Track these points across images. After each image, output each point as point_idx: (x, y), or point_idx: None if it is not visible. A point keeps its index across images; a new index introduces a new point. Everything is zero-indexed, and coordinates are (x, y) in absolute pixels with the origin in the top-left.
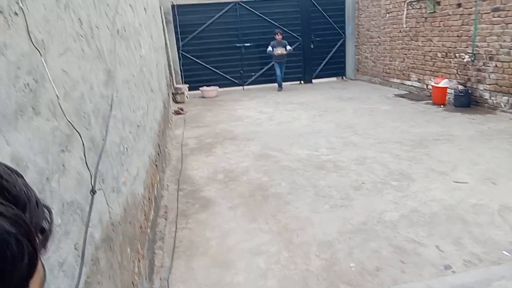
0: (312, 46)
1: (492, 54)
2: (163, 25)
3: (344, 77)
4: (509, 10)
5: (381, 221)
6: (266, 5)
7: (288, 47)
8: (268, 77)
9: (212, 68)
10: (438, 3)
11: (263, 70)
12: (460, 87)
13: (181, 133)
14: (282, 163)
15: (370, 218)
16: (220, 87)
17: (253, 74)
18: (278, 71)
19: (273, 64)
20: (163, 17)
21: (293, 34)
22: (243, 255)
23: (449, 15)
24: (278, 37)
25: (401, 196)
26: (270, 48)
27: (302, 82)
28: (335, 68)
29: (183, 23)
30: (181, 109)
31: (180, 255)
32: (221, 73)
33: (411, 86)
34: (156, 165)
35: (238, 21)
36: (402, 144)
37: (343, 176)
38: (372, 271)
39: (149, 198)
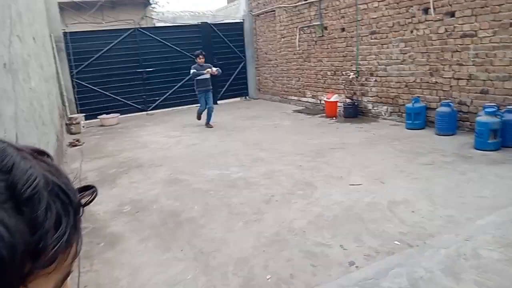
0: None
1: (372, 71)
2: (53, 53)
3: (247, 97)
4: (383, 33)
5: (291, 229)
6: (167, 31)
7: (215, 69)
8: (172, 101)
9: (111, 95)
10: (325, 28)
11: (167, 94)
12: (348, 100)
13: (78, 166)
14: (193, 186)
15: (281, 229)
16: (121, 114)
17: (157, 98)
18: (204, 101)
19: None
20: (54, 45)
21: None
22: None
23: (335, 38)
24: (201, 60)
25: (307, 204)
26: (194, 70)
27: None
28: (238, 89)
29: (77, 51)
30: (77, 140)
31: None
32: (122, 99)
33: (307, 102)
34: None
35: (138, 47)
36: (304, 155)
37: (254, 191)
38: (287, 279)
39: None
